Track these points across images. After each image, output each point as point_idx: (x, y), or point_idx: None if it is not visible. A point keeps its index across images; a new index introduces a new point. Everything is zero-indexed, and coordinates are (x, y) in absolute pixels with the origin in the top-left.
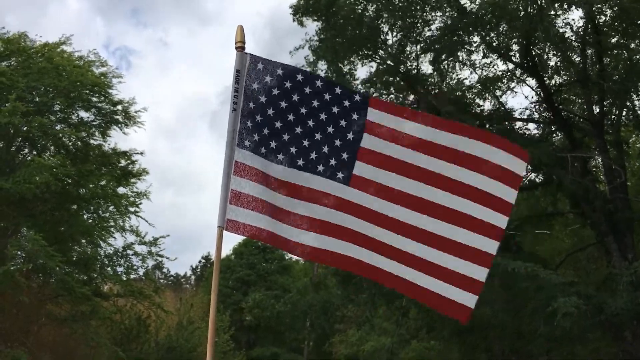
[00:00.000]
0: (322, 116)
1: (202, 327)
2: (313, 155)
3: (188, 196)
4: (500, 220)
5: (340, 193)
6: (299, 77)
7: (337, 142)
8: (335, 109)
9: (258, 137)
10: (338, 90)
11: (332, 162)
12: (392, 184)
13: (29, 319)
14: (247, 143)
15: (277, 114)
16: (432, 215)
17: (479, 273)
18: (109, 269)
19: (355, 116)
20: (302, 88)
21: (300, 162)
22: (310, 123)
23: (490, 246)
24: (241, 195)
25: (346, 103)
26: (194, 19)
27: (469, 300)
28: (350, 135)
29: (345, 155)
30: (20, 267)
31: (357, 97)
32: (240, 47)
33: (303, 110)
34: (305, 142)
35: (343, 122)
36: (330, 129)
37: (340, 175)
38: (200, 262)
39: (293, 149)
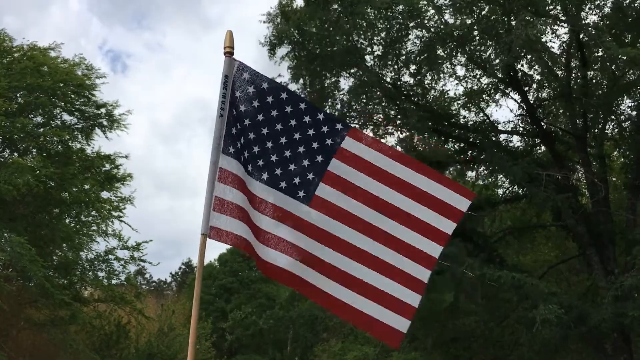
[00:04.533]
0: (296, 135)
1: (183, 333)
2: (278, 171)
3: (183, 201)
4: (435, 250)
5: (297, 211)
6: (283, 95)
7: (305, 162)
8: (311, 132)
9: (239, 144)
10: (321, 116)
11: (296, 180)
12: (349, 208)
13: (8, 323)
14: (231, 150)
15: (252, 126)
16: (377, 240)
17: (413, 299)
18: (90, 273)
19: (329, 142)
20: (282, 106)
21: (265, 175)
22: (283, 140)
23: (423, 274)
24: (224, 202)
25: (325, 129)
26: (195, 23)
27: (402, 325)
28: (319, 158)
29: (310, 176)
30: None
31: (339, 126)
32: (229, 53)
33: (278, 126)
34: (273, 157)
35: (315, 145)
36: (301, 149)
37: (301, 194)
38: (180, 268)
39: (260, 162)
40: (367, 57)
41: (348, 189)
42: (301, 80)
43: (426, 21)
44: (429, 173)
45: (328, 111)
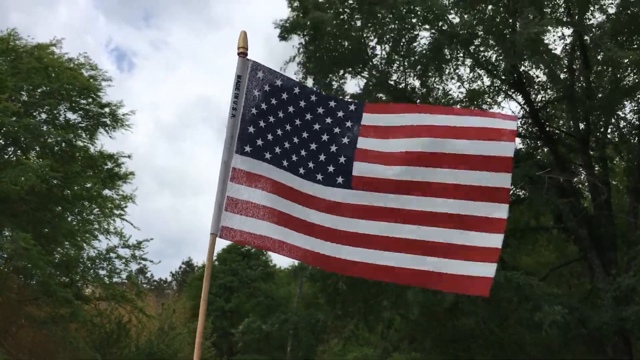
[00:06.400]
0: (316, 127)
1: (183, 332)
2: (311, 165)
3: (185, 199)
4: (504, 180)
5: (341, 197)
6: (296, 90)
7: (333, 148)
8: (328, 119)
9: (262, 142)
10: (332, 103)
11: (330, 168)
12: (392, 176)
13: (8, 320)
14: (247, 149)
15: (277, 122)
16: (435, 196)
17: (494, 240)
18: (91, 271)
19: (349, 124)
20: (297, 101)
21: (302, 170)
22: (305, 134)
23: (501, 211)
24: (238, 202)
25: (340, 114)
26: (200, 22)
27: (487, 270)
28: (345, 140)
29: (342, 159)
30: (2, 267)
31: (352, 107)
32: (243, 53)
33: (297, 122)
34: (303, 152)
35: (337, 130)
36: (324, 137)
37: (340, 180)
38: (180, 267)
39: (294, 157)
40: (375, 59)
41: (384, 159)
42: (309, 79)
43: (438, 23)
44: (463, 111)
45: None
